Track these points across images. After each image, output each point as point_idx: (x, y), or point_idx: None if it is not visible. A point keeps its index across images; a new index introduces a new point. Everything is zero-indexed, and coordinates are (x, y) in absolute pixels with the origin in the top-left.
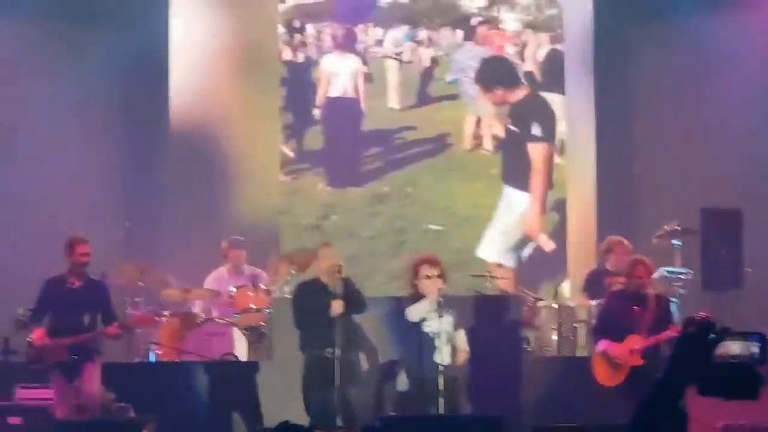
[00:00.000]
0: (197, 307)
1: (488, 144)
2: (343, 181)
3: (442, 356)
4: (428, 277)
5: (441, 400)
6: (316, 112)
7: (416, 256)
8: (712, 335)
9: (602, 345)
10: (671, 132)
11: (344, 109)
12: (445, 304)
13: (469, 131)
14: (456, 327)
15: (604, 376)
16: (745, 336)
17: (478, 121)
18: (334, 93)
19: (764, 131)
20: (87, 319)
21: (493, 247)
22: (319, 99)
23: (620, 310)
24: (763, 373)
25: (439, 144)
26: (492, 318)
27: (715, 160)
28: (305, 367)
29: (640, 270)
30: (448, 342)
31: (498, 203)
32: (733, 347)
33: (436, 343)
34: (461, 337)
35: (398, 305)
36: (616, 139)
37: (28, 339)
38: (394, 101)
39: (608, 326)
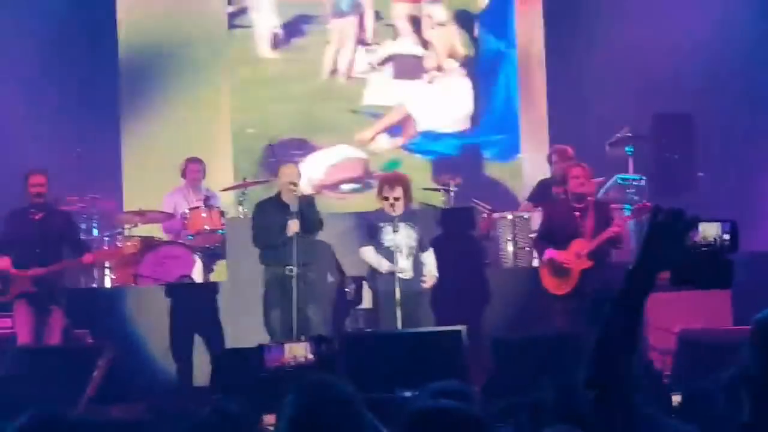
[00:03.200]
0: (152, 230)
1: None
2: None
3: (403, 271)
4: (386, 199)
5: (399, 315)
6: None
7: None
8: (682, 222)
9: (548, 253)
10: (622, 38)
11: None
12: (405, 218)
13: None
14: (423, 245)
15: (554, 285)
16: (716, 222)
17: None
18: None
19: (717, 38)
20: (51, 251)
21: None
22: None
23: (562, 216)
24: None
25: None
26: (449, 231)
27: (667, 66)
28: (265, 285)
29: (575, 171)
30: (410, 256)
31: None
32: (707, 231)
33: (396, 257)
34: (431, 260)
35: (361, 221)
36: (566, 48)
37: None
38: None
39: (551, 235)
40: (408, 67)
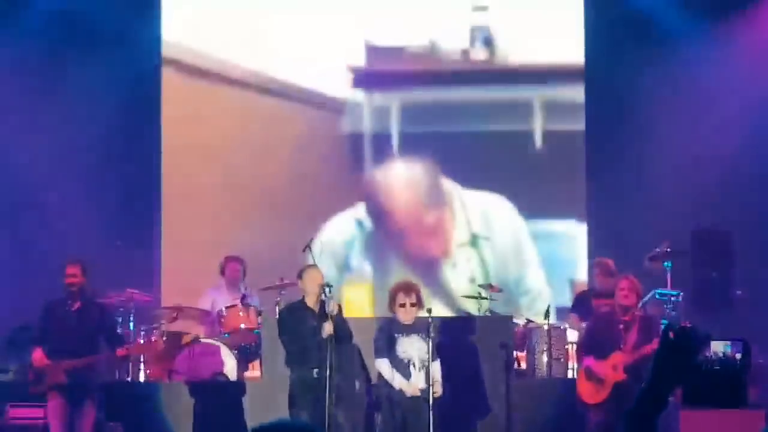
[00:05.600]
0: (188, 326)
1: None
2: None
3: (416, 382)
4: (402, 305)
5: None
6: None
7: (396, 283)
8: (694, 341)
9: (586, 361)
10: (662, 153)
11: None
12: (418, 328)
13: None
14: (433, 355)
15: (587, 392)
16: (727, 341)
17: None
18: None
19: (754, 154)
20: (86, 343)
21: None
22: None
23: (606, 328)
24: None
25: None
26: (481, 340)
27: (707, 181)
28: (291, 388)
29: (622, 283)
30: (422, 369)
31: None
32: (718, 350)
33: (410, 368)
34: (436, 368)
35: (378, 329)
36: (607, 161)
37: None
38: None
39: (594, 344)
40: None
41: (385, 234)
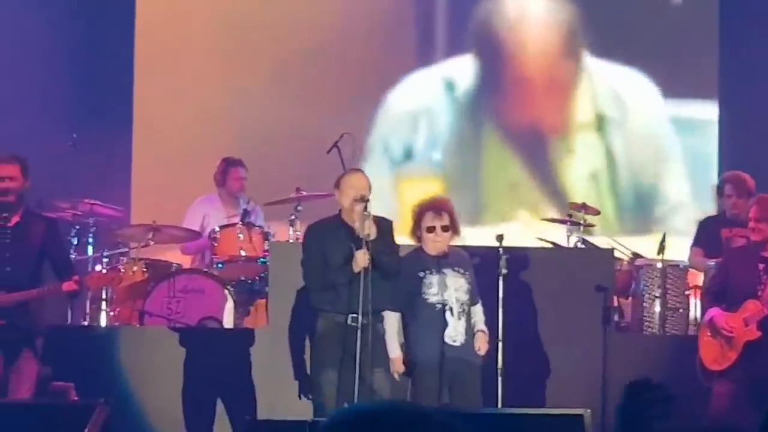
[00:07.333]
0: (168, 252)
1: None
2: None
3: (455, 335)
4: (430, 230)
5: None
6: None
7: (421, 200)
8: None
9: (711, 313)
10: None
11: None
12: (453, 261)
13: None
14: (472, 297)
15: (710, 355)
16: None
17: None
18: None
19: None
20: (25, 272)
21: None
22: None
23: (741, 269)
24: None
25: None
26: (569, 281)
27: None
28: (318, 338)
29: (754, 210)
30: (462, 315)
31: None
32: None
33: (446, 316)
34: (480, 316)
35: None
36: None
37: None
38: None
39: (722, 291)
40: None
41: (483, 92)
